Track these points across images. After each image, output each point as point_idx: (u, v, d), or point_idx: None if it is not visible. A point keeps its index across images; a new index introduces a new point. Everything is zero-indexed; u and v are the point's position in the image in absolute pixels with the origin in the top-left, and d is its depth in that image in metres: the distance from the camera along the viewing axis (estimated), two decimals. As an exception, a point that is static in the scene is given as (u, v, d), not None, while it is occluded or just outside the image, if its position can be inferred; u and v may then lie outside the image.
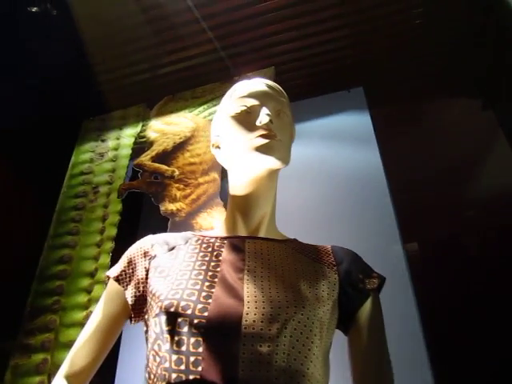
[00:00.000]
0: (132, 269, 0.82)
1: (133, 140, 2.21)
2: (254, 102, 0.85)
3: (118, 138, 2.26)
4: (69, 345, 1.63)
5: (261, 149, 0.79)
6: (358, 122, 2.10)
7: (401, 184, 1.93)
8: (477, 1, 2.03)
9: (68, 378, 0.80)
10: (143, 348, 0.77)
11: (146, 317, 0.76)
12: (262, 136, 0.80)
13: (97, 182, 2.11)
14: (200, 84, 2.33)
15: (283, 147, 0.83)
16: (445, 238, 1.89)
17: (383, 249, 1.68)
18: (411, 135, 2.15)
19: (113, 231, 1.89)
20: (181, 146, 2.05)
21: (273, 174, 0.86)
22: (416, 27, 2.17)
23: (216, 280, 0.72)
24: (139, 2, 2.08)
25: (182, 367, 0.62)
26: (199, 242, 0.83)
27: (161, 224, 1.80)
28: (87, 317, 1.67)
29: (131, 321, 0.82)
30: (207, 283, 0.71)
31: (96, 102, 2.40)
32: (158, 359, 0.67)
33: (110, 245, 1.85)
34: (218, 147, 0.92)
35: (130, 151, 2.16)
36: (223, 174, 1.87)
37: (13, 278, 1.88)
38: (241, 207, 0.87)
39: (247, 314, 0.65)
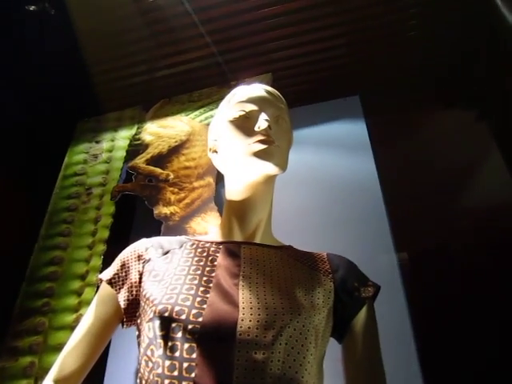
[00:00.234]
0: (125, 272, 0.81)
1: (128, 142, 2.19)
2: (252, 107, 0.85)
3: (112, 140, 2.24)
4: (57, 348, 1.60)
5: (259, 154, 0.79)
6: (353, 131, 2.10)
7: (395, 193, 1.93)
8: (473, 16, 2.05)
9: (57, 381, 0.79)
10: (133, 353, 0.76)
11: (139, 321, 0.76)
12: (260, 141, 0.79)
13: (90, 184, 2.09)
14: (197, 88, 2.32)
15: (281, 153, 0.83)
16: (436, 248, 1.89)
17: (376, 257, 1.69)
18: (406, 144, 2.15)
19: (105, 233, 1.87)
20: (176, 150, 2.04)
21: (270, 180, 0.86)
22: (413, 38, 2.18)
23: (211, 285, 0.71)
24: (138, 4, 2.08)
25: (175, 373, 0.61)
26: (194, 246, 0.83)
27: (154, 227, 1.79)
28: (77, 320, 1.65)
29: (123, 325, 0.81)
30: (202, 288, 0.70)
31: (91, 103, 2.38)
32: (150, 365, 0.66)
33: (101, 247, 1.83)
34: (215, 151, 0.92)
35: (124, 153, 2.15)
36: (218, 178, 1.87)
37: (2, 278, 1.85)
38: (237, 212, 0.86)
39: (242, 320, 0.65)
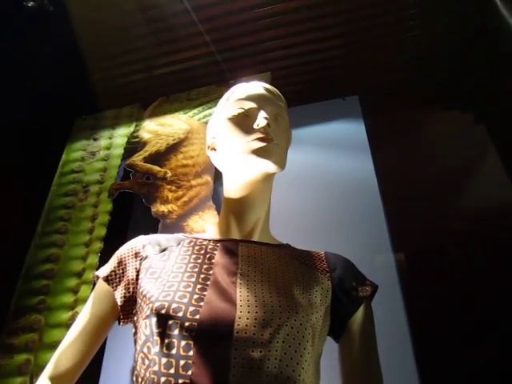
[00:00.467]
0: (122, 269, 0.81)
1: (125, 140, 2.19)
2: (251, 104, 0.84)
3: (110, 138, 2.24)
4: (53, 345, 1.60)
5: (257, 152, 0.78)
6: (352, 130, 2.11)
7: (393, 193, 1.94)
8: (472, 17, 2.05)
9: (52, 379, 0.78)
10: (129, 350, 0.76)
11: (135, 318, 0.75)
12: (259, 139, 0.79)
13: (87, 181, 2.09)
14: (195, 86, 2.32)
15: (280, 151, 0.83)
16: (434, 248, 1.89)
17: (374, 257, 1.69)
18: (405, 145, 2.15)
19: (102, 231, 1.86)
20: (174, 148, 2.04)
21: (268, 178, 0.85)
22: (412, 38, 2.18)
23: (208, 283, 0.71)
24: (136, 1, 2.07)
25: (172, 371, 0.61)
26: (192, 244, 0.82)
27: (151, 225, 1.78)
28: (73, 317, 1.64)
29: (120, 322, 0.80)
30: (199, 286, 0.70)
31: (89, 101, 2.38)
32: (146, 362, 0.65)
33: (98, 245, 1.83)
34: (213, 149, 0.91)
35: (122, 151, 2.14)
36: (216, 177, 1.86)
37: (-2, 275, 1.85)
38: (235, 210, 0.86)
39: (239, 318, 0.64)
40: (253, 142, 0.79)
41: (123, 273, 0.80)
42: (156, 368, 0.62)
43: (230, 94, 0.90)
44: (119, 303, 0.77)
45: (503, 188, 1.88)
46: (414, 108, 2.29)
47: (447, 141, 2.08)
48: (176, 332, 0.63)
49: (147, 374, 0.64)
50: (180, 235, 0.87)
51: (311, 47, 2.21)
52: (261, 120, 0.80)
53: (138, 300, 0.74)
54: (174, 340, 0.63)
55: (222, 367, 0.60)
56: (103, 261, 0.86)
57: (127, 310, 0.78)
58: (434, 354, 1.53)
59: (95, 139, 2.27)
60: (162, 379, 0.61)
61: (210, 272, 0.73)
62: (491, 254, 1.78)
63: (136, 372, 0.69)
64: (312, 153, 2.04)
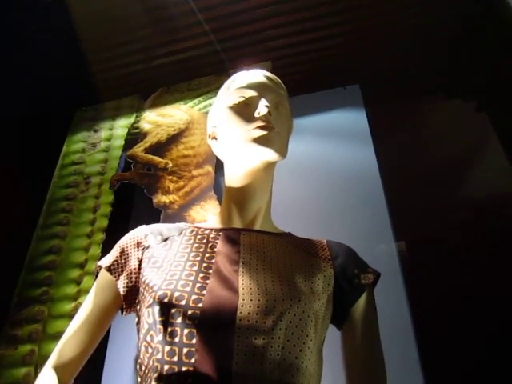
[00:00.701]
0: (124, 259, 0.81)
1: (126, 131, 2.18)
2: (252, 93, 0.84)
3: (111, 129, 2.23)
4: (57, 336, 1.61)
5: (258, 140, 0.78)
6: (353, 120, 2.10)
7: (394, 182, 1.93)
8: (474, 5, 2.03)
9: (56, 368, 0.79)
10: (133, 340, 0.76)
11: (138, 308, 0.75)
12: (260, 127, 0.78)
13: (88, 173, 2.09)
14: (195, 76, 2.30)
15: (281, 140, 0.82)
16: (436, 237, 1.89)
17: (375, 246, 1.69)
18: (406, 134, 2.15)
19: (104, 222, 1.87)
20: (175, 138, 2.03)
21: (270, 167, 0.85)
22: (413, 26, 2.16)
23: (211, 271, 0.71)
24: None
25: (175, 359, 0.61)
26: (194, 233, 0.82)
27: (153, 216, 1.78)
28: (76, 308, 1.65)
29: (122, 312, 0.80)
30: (202, 274, 0.70)
31: (89, 92, 2.37)
32: (150, 350, 0.65)
33: (100, 236, 1.83)
34: (214, 138, 0.91)
35: (122, 142, 2.14)
36: (217, 167, 1.86)
37: (1, 268, 1.85)
38: (237, 199, 0.85)
39: (242, 306, 0.64)
40: (254, 131, 0.79)
41: (125, 263, 0.80)
42: (159, 356, 0.62)
43: (231, 82, 0.90)
44: (122, 293, 0.78)
45: (505, 177, 1.88)
46: (415, 97, 2.27)
47: (449, 130, 2.07)
48: (179, 320, 0.63)
49: (150, 362, 0.64)
50: (182, 225, 0.87)
51: (312, 36, 2.19)
52: (262, 108, 0.80)
53: (141, 289, 0.74)
54: (177, 328, 0.63)
55: (225, 355, 0.60)
56: (105, 252, 0.86)
57: (130, 299, 0.78)
58: (436, 341, 1.54)
59: (96, 130, 2.26)
60: (166, 367, 0.61)
61: (212, 261, 0.73)
62: (492, 242, 1.78)
63: (139, 360, 0.69)
64: (313, 142, 2.03)
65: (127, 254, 0.81)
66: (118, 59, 2.37)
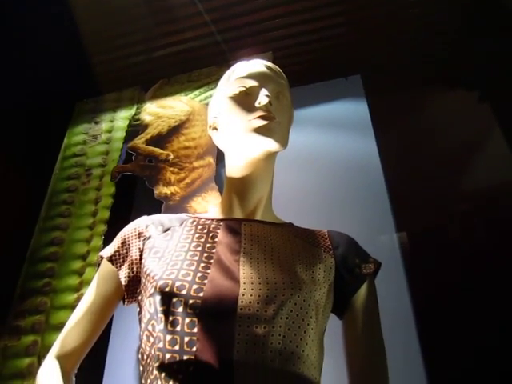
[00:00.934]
0: (126, 249, 0.81)
1: (127, 123, 2.18)
2: (253, 83, 0.83)
3: (111, 121, 2.22)
4: (59, 327, 1.61)
5: (259, 130, 0.78)
6: (354, 110, 2.09)
7: (396, 173, 1.93)
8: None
9: (59, 358, 0.79)
10: (135, 330, 0.76)
11: (140, 298, 0.76)
12: (261, 117, 0.78)
13: (90, 165, 2.08)
14: (196, 68, 2.29)
15: (282, 129, 0.82)
16: (437, 229, 1.89)
17: (377, 237, 1.69)
18: (407, 125, 2.14)
19: (105, 214, 1.87)
20: (176, 130, 2.03)
21: (271, 157, 0.85)
22: (415, 16, 2.14)
23: (212, 261, 0.71)
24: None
25: (177, 347, 0.61)
26: (195, 223, 0.82)
27: (154, 207, 1.78)
28: (78, 299, 1.65)
29: (124, 302, 0.81)
30: (203, 264, 0.70)
31: (90, 84, 2.36)
32: (151, 339, 0.66)
33: (102, 227, 1.83)
34: (215, 129, 0.91)
35: (124, 134, 2.13)
36: (218, 158, 1.86)
37: (3, 259, 1.86)
38: (238, 189, 0.85)
39: (243, 295, 0.65)
40: (255, 121, 0.78)
41: (127, 253, 0.80)
42: (161, 345, 0.63)
43: (231, 72, 0.89)
44: (123, 283, 0.78)
45: (506, 168, 1.88)
46: (417, 87, 2.26)
47: (451, 120, 2.07)
48: (180, 309, 0.64)
49: (152, 351, 0.65)
50: (183, 215, 0.87)
51: (312, 26, 2.18)
52: (262, 98, 0.79)
53: (142, 279, 0.75)
54: (179, 317, 0.63)
55: (226, 343, 0.60)
56: (107, 243, 0.86)
57: (131, 289, 0.78)
58: (437, 332, 1.55)
59: (96, 122, 2.26)
60: (167, 356, 0.61)
61: (213, 251, 0.73)
62: (493, 233, 1.78)
63: (141, 350, 0.69)
64: (314, 133, 2.03)
65: (128, 245, 0.81)
66: (118, 51, 2.36)
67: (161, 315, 0.65)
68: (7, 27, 2.08)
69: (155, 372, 0.62)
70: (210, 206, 1.72)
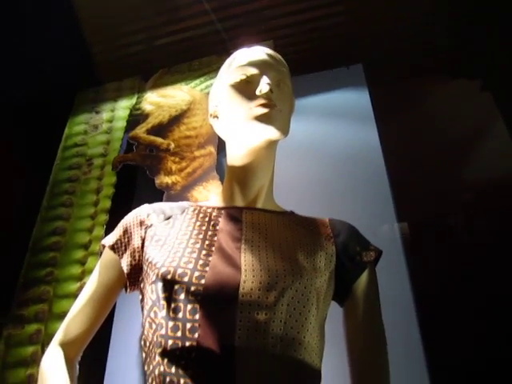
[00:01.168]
0: (127, 238, 0.81)
1: (128, 112, 2.17)
2: (253, 70, 0.83)
3: (112, 110, 2.22)
4: (62, 316, 1.60)
5: (260, 118, 0.77)
6: (356, 100, 2.08)
7: (397, 163, 1.92)
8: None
9: (62, 345, 0.80)
10: (138, 318, 0.77)
11: (142, 285, 0.76)
12: (262, 105, 0.78)
13: (91, 154, 2.09)
14: (196, 57, 2.28)
15: (283, 117, 0.81)
16: (438, 218, 1.89)
17: (378, 226, 1.69)
18: (409, 114, 2.13)
19: (107, 203, 1.87)
20: (177, 119, 2.02)
21: (272, 145, 0.85)
22: (415, 5, 2.12)
23: (213, 249, 0.71)
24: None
25: (179, 334, 0.62)
26: (196, 211, 0.82)
27: (155, 197, 1.79)
28: (81, 288, 1.65)
29: (126, 290, 0.81)
30: (204, 252, 0.70)
31: (90, 74, 2.35)
32: (154, 326, 0.66)
33: (104, 217, 1.84)
34: (216, 117, 0.90)
35: (124, 123, 2.13)
36: (219, 147, 1.86)
37: (6, 249, 1.87)
38: (239, 178, 0.85)
39: (244, 282, 0.65)
40: (256, 109, 0.78)
41: (129, 241, 0.81)
42: (163, 332, 0.63)
43: (232, 59, 0.89)
44: (125, 271, 0.78)
45: (508, 158, 1.87)
46: (419, 76, 2.25)
47: (453, 109, 2.06)
48: (182, 296, 0.64)
49: (155, 338, 0.65)
50: (184, 203, 0.87)
51: (314, 14, 2.16)
52: (263, 86, 0.79)
53: (144, 267, 0.75)
54: (180, 304, 0.64)
55: (228, 329, 0.61)
56: (109, 233, 0.86)
57: (133, 277, 0.79)
58: (438, 320, 1.55)
59: (97, 112, 2.26)
60: (170, 342, 0.62)
61: (215, 238, 0.74)
62: (494, 223, 1.78)
63: (144, 337, 0.70)
64: (316, 122, 2.02)
65: (130, 233, 0.81)
66: (118, 40, 2.35)
67: (163, 302, 0.65)
68: (6, 17, 2.07)
69: (158, 358, 0.63)
70: (211, 195, 1.72)
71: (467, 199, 1.92)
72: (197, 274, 0.66)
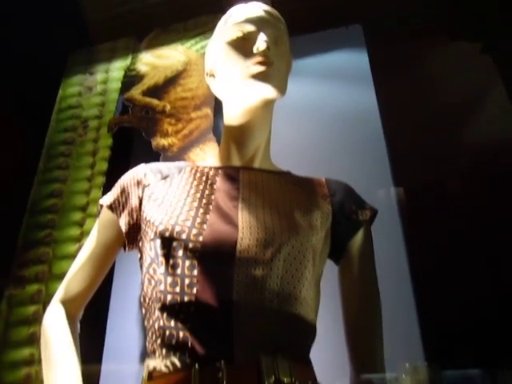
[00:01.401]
0: (125, 197, 0.81)
1: (122, 73, 2.14)
2: (250, 28, 0.81)
3: (106, 71, 2.18)
4: (62, 276, 1.61)
5: (257, 76, 0.76)
6: (354, 61, 2.04)
7: (395, 126, 1.91)
8: None
9: (64, 302, 0.81)
10: (137, 276, 0.78)
11: (140, 244, 0.77)
12: (259, 63, 0.76)
13: (86, 116, 2.07)
14: (192, 16, 2.22)
15: (280, 76, 0.80)
16: (435, 183, 1.90)
17: (374, 191, 1.69)
18: (408, 77, 2.10)
19: (104, 166, 1.87)
20: (172, 80, 1.99)
21: (269, 104, 0.83)
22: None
23: (210, 207, 0.72)
24: None
25: (177, 289, 0.63)
26: (193, 171, 0.82)
27: (152, 159, 1.74)
28: (80, 249, 1.69)
29: (125, 248, 0.82)
30: (202, 210, 0.71)
31: (83, 34, 2.29)
32: (153, 282, 0.68)
33: (101, 179, 1.84)
34: (212, 76, 0.88)
35: (119, 85, 2.10)
36: (216, 109, 1.84)
37: (4, 211, 1.87)
38: (235, 137, 0.85)
39: (242, 239, 0.66)
40: (253, 67, 0.76)
41: (126, 201, 0.81)
42: (162, 287, 0.65)
43: (228, 16, 0.86)
44: (124, 230, 0.79)
45: (506, 122, 1.86)
46: (419, 38, 2.21)
47: (452, 72, 2.03)
48: (180, 253, 0.65)
49: (154, 294, 0.67)
50: (181, 163, 0.87)
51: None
52: (260, 43, 0.77)
53: (143, 226, 0.76)
54: (179, 260, 0.65)
55: (226, 285, 0.62)
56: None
57: (132, 236, 0.79)
58: (431, 282, 1.58)
59: (91, 73, 2.21)
60: (169, 297, 0.63)
61: (212, 197, 0.74)
62: (492, 189, 1.79)
63: (143, 293, 0.71)
64: (313, 83, 1.99)
65: (128, 193, 0.81)
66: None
67: (161, 259, 0.66)
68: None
69: (157, 313, 0.64)
70: (208, 157, 1.72)
71: (464, 164, 1.92)
72: (194, 231, 0.66)
